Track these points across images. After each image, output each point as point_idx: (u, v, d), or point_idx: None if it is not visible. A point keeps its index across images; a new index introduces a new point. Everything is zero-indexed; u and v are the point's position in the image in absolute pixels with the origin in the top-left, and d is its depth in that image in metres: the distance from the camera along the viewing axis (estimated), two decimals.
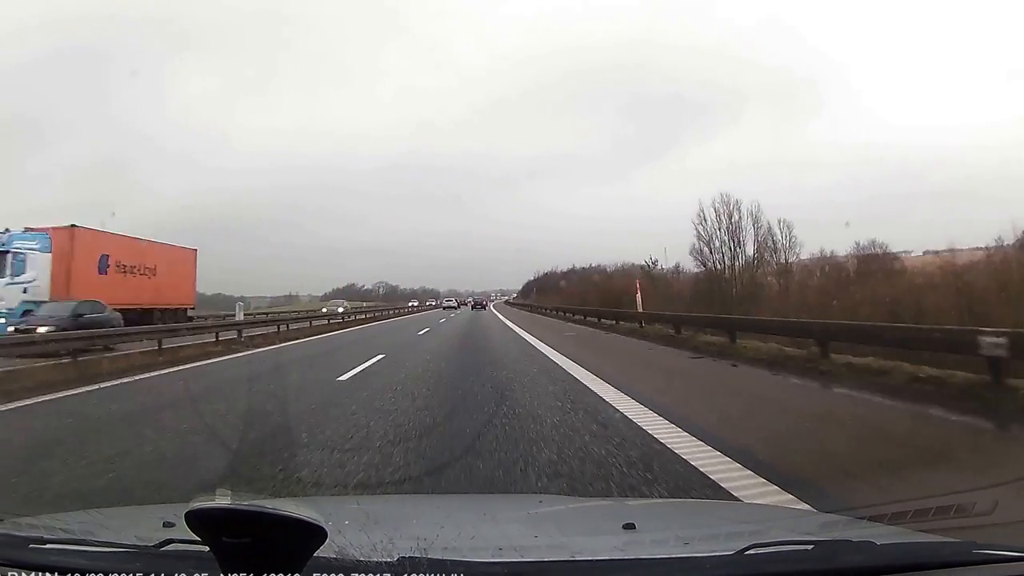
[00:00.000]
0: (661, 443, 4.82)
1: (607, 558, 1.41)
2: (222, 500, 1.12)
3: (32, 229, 19.03)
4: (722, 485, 3.70)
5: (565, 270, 72.72)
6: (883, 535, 1.70)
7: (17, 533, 1.49)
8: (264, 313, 43.66)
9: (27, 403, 7.85)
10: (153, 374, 10.98)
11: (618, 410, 6.30)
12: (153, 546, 1.33)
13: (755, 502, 3.29)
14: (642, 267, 40.18)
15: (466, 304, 74.15)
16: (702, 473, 3.97)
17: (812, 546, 1.42)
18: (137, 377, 10.46)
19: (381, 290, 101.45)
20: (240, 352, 15.37)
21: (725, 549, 1.35)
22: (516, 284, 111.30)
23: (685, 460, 4.29)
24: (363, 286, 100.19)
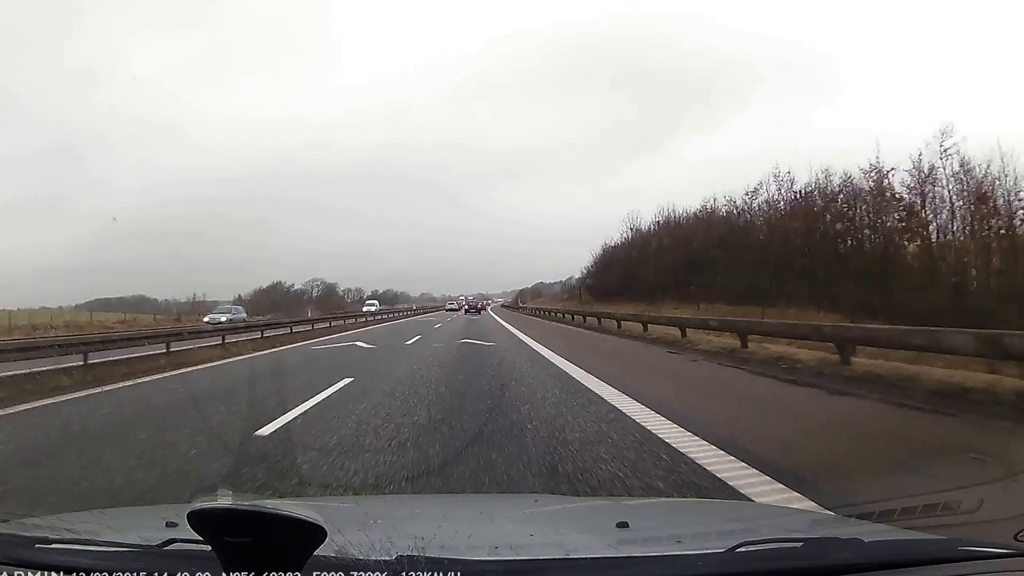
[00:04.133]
0: None
1: (601, 556, 1.43)
2: (223, 500, 1.14)
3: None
4: None
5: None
6: (871, 532, 1.73)
7: (23, 533, 1.52)
8: None
9: None
10: None
11: None
12: (156, 546, 1.35)
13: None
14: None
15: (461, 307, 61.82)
16: None
17: (802, 543, 1.45)
18: None
19: (315, 291, 78.01)
20: None
21: (717, 547, 1.37)
22: (497, 290, 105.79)
23: None
24: (291, 285, 76.11)
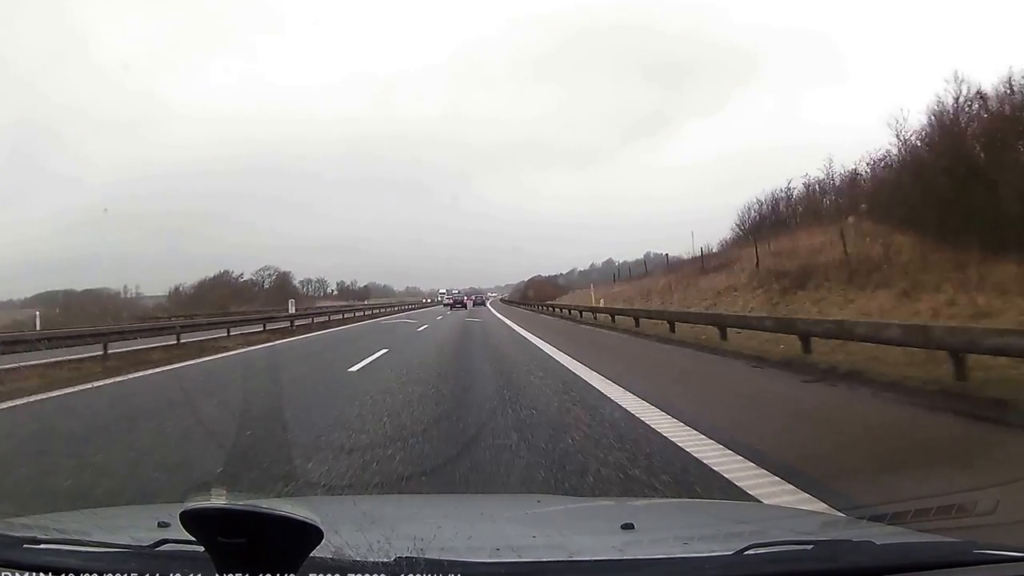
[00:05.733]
0: None
1: (605, 558, 1.39)
2: (217, 500, 1.11)
3: None
4: None
5: None
6: (883, 535, 1.69)
7: (11, 533, 1.49)
8: None
9: None
10: None
11: None
12: (148, 546, 1.32)
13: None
14: None
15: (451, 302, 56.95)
16: None
17: (812, 546, 1.42)
18: None
19: (266, 282, 66.61)
20: None
21: (724, 549, 1.34)
22: (490, 284, 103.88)
23: None
24: (239, 275, 65.70)
